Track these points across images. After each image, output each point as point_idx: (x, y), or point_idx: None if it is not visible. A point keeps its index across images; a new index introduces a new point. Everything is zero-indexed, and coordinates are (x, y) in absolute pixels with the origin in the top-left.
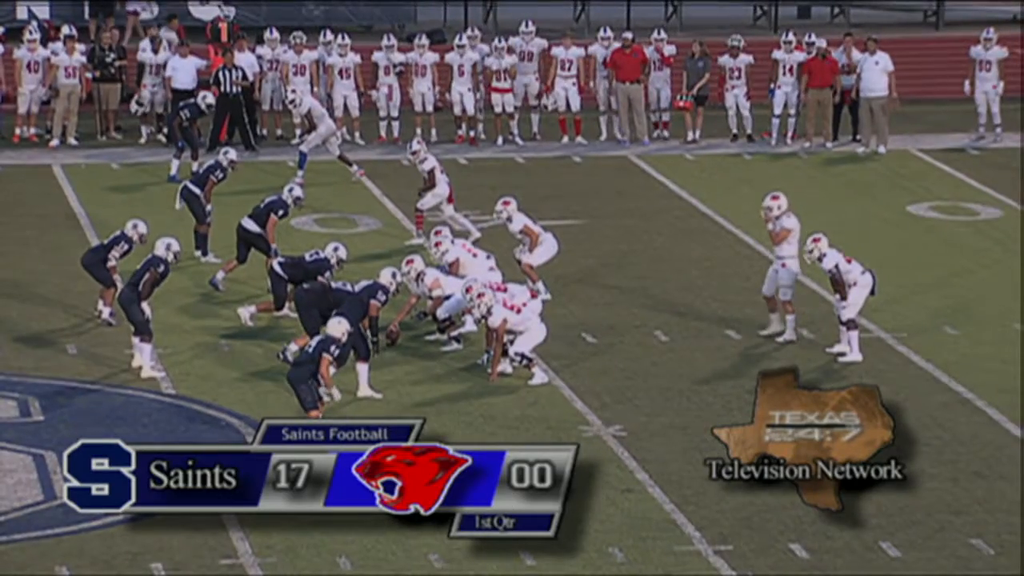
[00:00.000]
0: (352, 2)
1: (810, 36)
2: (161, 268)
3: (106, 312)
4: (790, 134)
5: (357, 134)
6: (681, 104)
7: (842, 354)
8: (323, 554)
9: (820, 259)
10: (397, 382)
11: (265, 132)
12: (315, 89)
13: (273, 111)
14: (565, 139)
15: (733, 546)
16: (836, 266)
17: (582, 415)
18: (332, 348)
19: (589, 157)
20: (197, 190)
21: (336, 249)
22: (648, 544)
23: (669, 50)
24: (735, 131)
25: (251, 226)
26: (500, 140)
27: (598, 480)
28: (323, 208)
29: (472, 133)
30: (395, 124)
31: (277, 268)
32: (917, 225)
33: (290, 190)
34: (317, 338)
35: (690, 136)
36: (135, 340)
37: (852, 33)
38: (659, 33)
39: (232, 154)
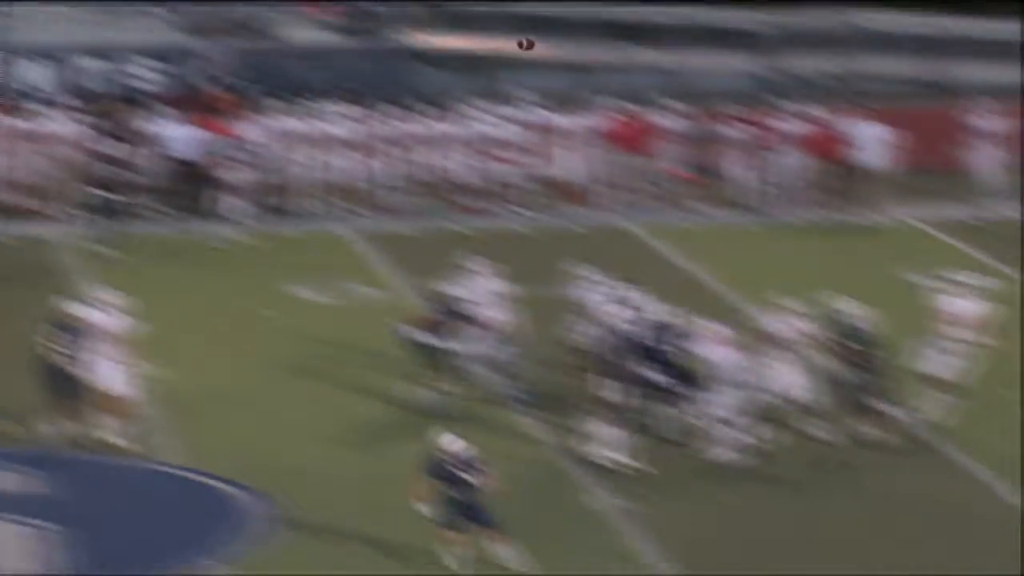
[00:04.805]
0: (352, 70)
1: (808, 105)
2: None
3: None
4: (791, 204)
5: (357, 204)
6: (682, 174)
7: None
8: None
9: None
10: None
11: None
12: (313, 157)
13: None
14: (567, 208)
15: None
16: None
17: None
18: None
19: (591, 227)
20: None
21: None
22: None
23: (678, 124)
24: (736, 200)
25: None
26: (502, 210)
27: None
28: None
29: (474, 203)
30: (396, 193)
31: None
32: (916, 294)
33: None
34: None
35: (692, 206)
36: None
37: (861, 103)
38: (670, 101)
39: None
